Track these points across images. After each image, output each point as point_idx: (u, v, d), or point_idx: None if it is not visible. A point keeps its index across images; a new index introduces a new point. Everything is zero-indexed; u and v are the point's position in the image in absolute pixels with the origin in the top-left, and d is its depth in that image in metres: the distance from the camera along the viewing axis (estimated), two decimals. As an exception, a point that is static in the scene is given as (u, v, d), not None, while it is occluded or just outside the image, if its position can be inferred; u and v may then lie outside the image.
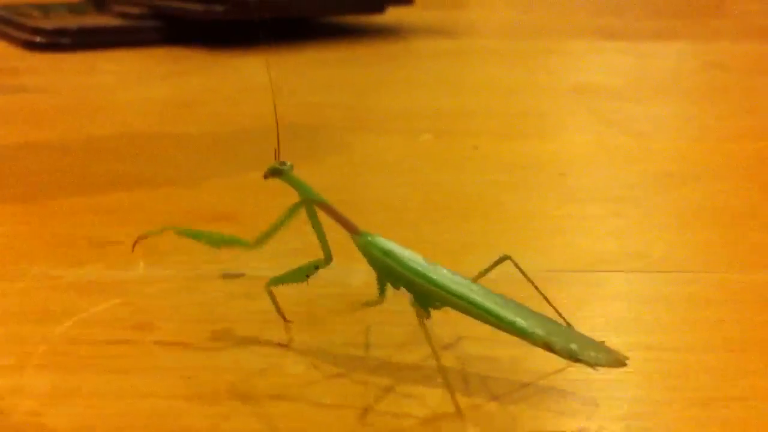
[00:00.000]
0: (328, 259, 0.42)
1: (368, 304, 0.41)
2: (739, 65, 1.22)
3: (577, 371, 0.39)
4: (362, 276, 0.49)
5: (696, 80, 1.14)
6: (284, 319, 0.44)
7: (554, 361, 0.38)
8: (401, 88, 1.08)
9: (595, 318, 0.46)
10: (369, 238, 0.40)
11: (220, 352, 0.42)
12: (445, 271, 0.40)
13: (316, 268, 0.42)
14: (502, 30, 1.63)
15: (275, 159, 0.43)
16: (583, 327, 0.42)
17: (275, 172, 0.42)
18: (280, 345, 0.43)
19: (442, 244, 0.56)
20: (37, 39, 1.30)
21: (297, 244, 0.50)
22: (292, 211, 0.42)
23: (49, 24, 1.34)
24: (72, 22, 1.35)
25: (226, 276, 0.51)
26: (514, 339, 0.38)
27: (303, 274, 0.42)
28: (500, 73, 1.18)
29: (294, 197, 0.42)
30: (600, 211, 0.62)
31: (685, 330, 0.45)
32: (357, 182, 0.70)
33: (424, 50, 1.36)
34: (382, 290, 0.41)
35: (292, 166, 0.42)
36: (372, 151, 0.79)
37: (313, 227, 0.42)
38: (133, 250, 0.44)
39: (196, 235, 0.44)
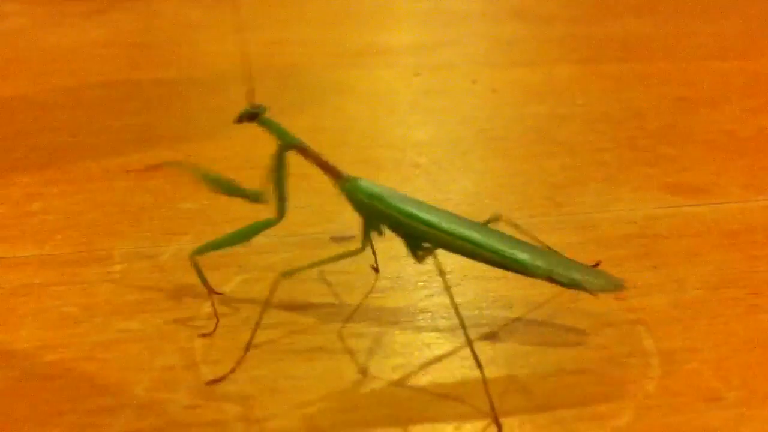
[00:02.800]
0: (281, 216, 0.39)
1: (348, 254, 0.37)
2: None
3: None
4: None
5: None
6: (211, 291, 0.39)
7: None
8: (357, 20, 1.02)
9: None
10: (355, 183, 0.38)
11: (405, 328, 0.38)
12: (437, 211, 0.38)
13: (267, 226, 0.38)
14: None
15: (247, 101, 0.38)
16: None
17: (250, 117, 0.38)
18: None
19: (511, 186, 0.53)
20: None
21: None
22: (278, 159, 0.38)
23: None
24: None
25: (335, 239, 0.46)
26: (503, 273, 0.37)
27: (249, 234, 0.38)
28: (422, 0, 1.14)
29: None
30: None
31: None
32: (368, 124, 0.66)
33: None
34: (366, 238, 0.38)
35: (266, 108, 0.38)
36: (371, 89, 0.75)
37: (277, 177, 0.38)
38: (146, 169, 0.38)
39: (216, 181, 0.39)
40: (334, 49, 0.88)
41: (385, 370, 0.35)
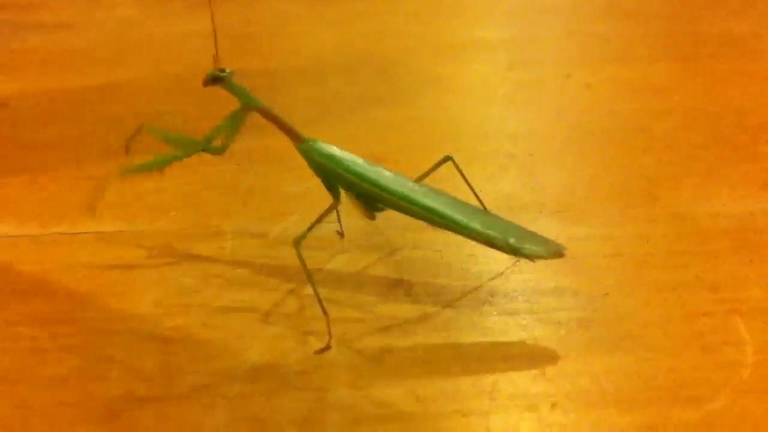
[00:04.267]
0: (224, 150, 0.41)
1: (330, 208, 0.40)
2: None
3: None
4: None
5: None
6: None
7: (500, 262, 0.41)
8: (452, 15, 1.04)
9: None
10: (311, 144, 0.41)
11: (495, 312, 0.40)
12: (386, 172, 0.40)
13: (210, 152, 0.41)
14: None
15: (213, 65, 0.41)
16: None
17: (215, 80, 0.41)
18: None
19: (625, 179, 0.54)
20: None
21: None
22: (235, 117, 0.41)
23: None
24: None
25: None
26: (459, 241, 0.39)
27: (165, 164, 0.41)
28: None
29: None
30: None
31: None
32: (464, 116, 0.67)
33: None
34: (336, 193, 0.41)
35: (232, 72, 0.41)
36: (466, 82, 0.76)
37: (230, 123, 0.41)
38: (126, 153, 0.42)
39: (167, 138, 0.42)
40: (430, 42, 0.89)
41: (476, 351, 0.36)
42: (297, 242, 0.38)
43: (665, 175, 0.54)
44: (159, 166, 0.41)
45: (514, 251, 0.37)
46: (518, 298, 0.40)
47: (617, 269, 0.43)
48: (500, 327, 0.38)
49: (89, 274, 0.42)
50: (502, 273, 0.42)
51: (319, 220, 0.39)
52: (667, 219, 0.48)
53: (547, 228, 0.47)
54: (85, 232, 0.47)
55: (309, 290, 0.41)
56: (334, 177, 0.40)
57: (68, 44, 0.89)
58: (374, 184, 0.39)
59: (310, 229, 0.38)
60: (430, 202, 0.38)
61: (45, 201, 0.51)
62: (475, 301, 0.40)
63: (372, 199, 0.40)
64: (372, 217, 0.41)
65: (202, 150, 0.41)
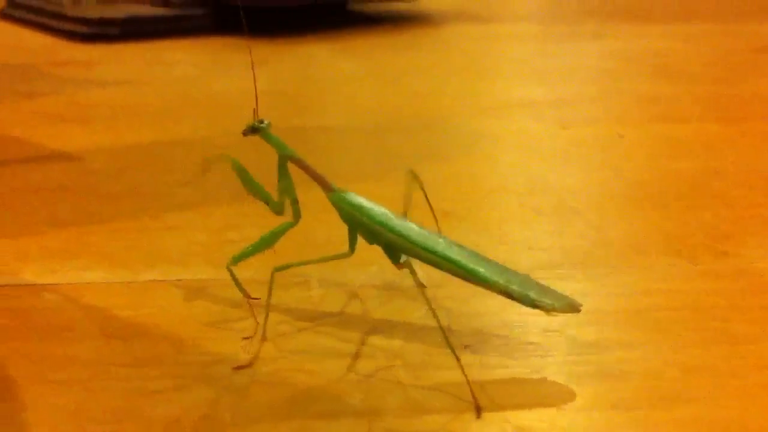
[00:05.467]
0: (297, 218, 0.44)
1: (337, 257, 0.43)
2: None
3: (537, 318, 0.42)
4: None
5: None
6: (248, 297, 0.45)
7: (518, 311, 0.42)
8: (502, 75, 1.07)
9: None
10: (341, 194, 0.43)
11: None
12: (412, 225, 0.42)
13: (287, 229, 0.44)
14: (527, 15, 1.62)
15: (254, 118, 0.44)
16: None
17: (254, 130, 0.44)
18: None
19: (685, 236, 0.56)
20: (85, 29, 1.26)
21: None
22: (282, 168, 0.44)
23: (92, 13, 1.29)
24: (114, 11, 1.30)
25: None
26: (480, 291, 0.40)
27: (272, 240, 0.44)
28: (560, 57, 1.17)
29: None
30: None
31: None
32: (521, 172, 0.69)
33: (460, 36, 1.35)
34: (352, 244, 0.43)
35: (270, 124, 0.44)
36: (519, 140, 0.78)
37: (285, 185, 0.44)
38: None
39: (246, 180, 0.44)
40: (482, 101, 0.92)
41: (548, 395, 0.38)
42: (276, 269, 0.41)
43: (726, 231, 0.55)
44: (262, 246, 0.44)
45: (533, 303, 0.38)
46: (587, 350, 0.41)
47: (685, 322, 0.44)
48: (565, 375, 0.39)
49: (182, 320, 0.45)
50: (555, 321, 0.43)
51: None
52: (733, 274, 0.49)
53: (614, 282, 0.48)
54: (175, 279, 0.49)
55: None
56: (360, 225, 0.42)
57: (131, 100, 0.92)
58: (399, 234, 0.41)
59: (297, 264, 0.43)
60: (451, 253, 0.40)
61: (130, 249, 0.53)
62: (540, 352, 0.41)
63: (396, 248, 0.42)
64: (400, 268, 0.42)
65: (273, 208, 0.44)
